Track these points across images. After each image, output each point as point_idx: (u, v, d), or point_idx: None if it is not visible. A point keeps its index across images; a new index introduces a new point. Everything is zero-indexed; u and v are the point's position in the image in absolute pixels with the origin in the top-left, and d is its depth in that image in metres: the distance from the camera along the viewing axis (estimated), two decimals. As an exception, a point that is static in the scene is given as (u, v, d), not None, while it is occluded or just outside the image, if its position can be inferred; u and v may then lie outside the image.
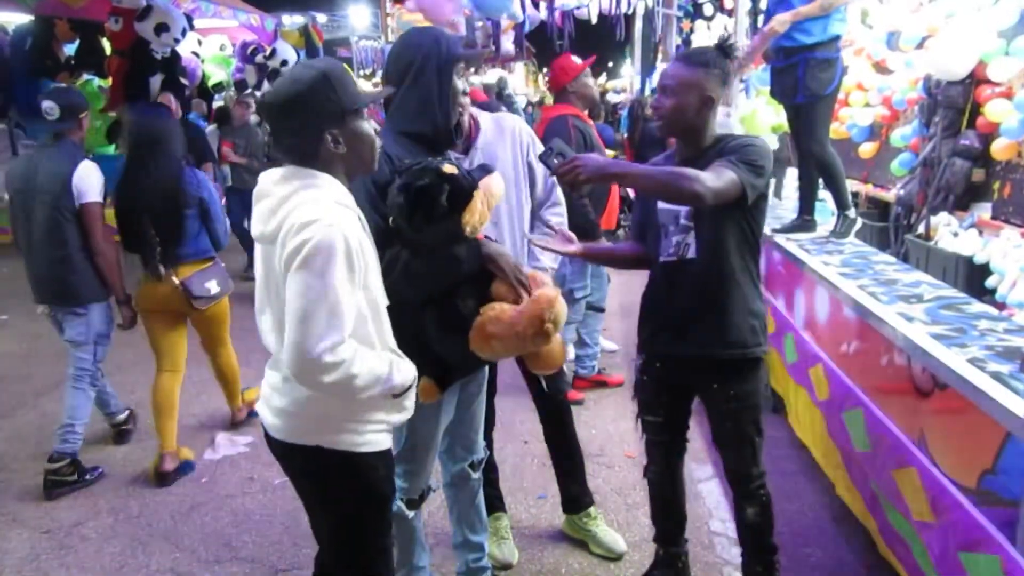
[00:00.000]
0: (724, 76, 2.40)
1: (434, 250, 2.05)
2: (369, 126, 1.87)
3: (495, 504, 3.14)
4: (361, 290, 1.77)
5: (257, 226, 1.81)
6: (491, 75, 12.94)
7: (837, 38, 3.89)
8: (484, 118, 2.64)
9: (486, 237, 2.26)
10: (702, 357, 2.49)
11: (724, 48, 2.40)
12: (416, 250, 2.06)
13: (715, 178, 2.18)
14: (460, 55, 2.27)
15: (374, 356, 1.80)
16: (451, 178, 1.98)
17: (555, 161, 2.22)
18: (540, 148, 2.63)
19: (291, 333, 1.67)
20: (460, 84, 2.27)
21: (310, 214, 1.69)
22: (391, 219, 2.04)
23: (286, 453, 1.93)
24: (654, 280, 2.61)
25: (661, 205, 2.50)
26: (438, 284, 2.12)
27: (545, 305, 2.06)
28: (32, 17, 9.49)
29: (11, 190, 3.81)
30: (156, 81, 8.13)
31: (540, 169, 2.65)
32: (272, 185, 1.80)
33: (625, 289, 6.30)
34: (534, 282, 2.18)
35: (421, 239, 2.03)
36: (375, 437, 1.92)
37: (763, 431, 2.57)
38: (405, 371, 1.90)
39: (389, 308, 1.93)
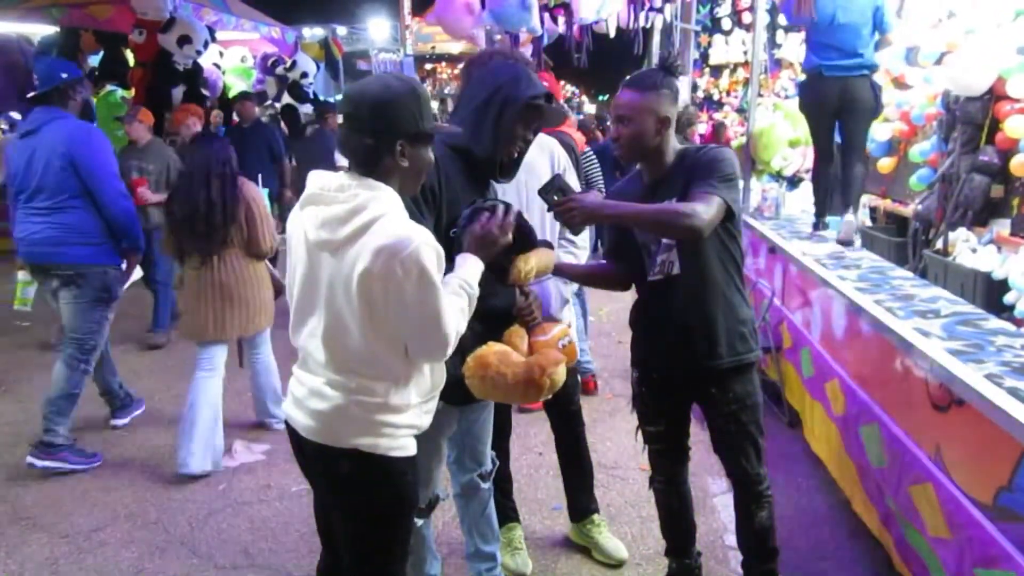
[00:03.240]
0: (674, 95, 2.44)
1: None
2: (431, 155, 1.93)
3: (509, 515, 3.15)
4: None
5: (319, 232, 1.83)
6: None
7: None
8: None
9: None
10: (698, 370, 2.53)
11: (669, 67, 2.43)
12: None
13: (706, 208, 2.23)
14: (529, 102, 2.21)
15: (454, 303, 1.90)
16: (526, 223, 2.17)
17: (554, 198, 2.23)
18: (573, 174, 2.67)
19: (423, 335, 1.84)
20: (520, 130, 2.24)
21: (400, 232, 1.76)
22: (452, 230, 2.12)
23: (320, 456, 1.95)
24: (643, 299, 2.64)
25: None
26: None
27: (548, 365, 2.10)
28: (58, 29, 9.63)
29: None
30: (178, 92, 8.25)
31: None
32: (335, 191, 1.84)
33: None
34: (545, 339, 2.23)
35: None
36: (407, 442, 1.95)
37: (764, 432, 2.60)
38: (468, 286, 1.97)
39: None
